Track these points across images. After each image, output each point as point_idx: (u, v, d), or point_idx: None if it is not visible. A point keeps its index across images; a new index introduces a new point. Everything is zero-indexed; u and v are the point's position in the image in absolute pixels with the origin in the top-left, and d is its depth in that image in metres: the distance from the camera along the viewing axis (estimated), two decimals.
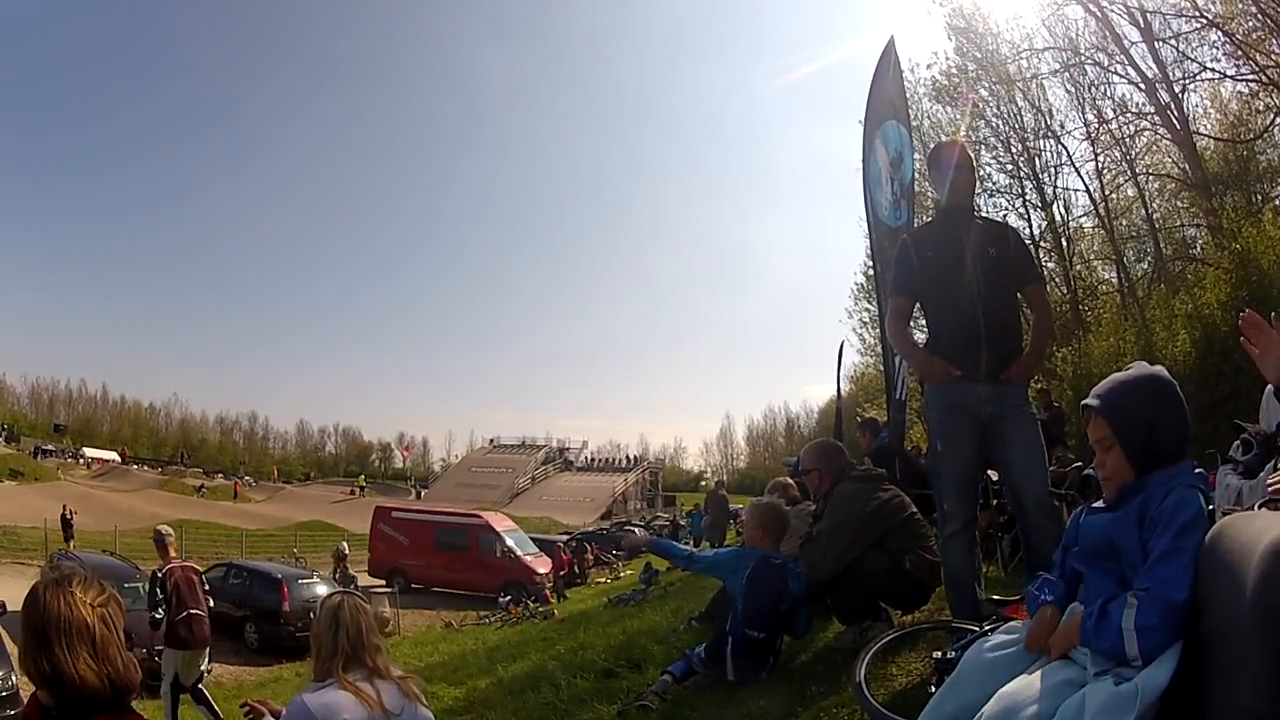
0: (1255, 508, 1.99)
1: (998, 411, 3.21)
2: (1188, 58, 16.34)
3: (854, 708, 2.87)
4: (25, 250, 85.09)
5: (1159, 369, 1.94)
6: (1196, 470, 1.86)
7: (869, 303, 19.67)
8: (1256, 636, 1.36)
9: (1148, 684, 1.61)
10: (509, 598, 17.09)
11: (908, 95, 18.83)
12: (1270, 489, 2.08)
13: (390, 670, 2.28)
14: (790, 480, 5.17)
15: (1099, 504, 1.97)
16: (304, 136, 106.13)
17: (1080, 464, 5.99)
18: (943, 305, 3.34)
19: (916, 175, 5.23)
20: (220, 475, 56.79)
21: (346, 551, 14.60)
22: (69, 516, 23.40)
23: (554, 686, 4.39)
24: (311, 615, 2.37)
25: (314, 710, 2.09)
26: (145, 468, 55.09)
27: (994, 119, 19.09)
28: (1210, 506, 1.80)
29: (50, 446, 54.10)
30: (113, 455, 56.19)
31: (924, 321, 3.69)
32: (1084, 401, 1.96)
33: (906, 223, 5.08)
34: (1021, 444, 3.20)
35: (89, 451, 56.00)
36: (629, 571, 20.47)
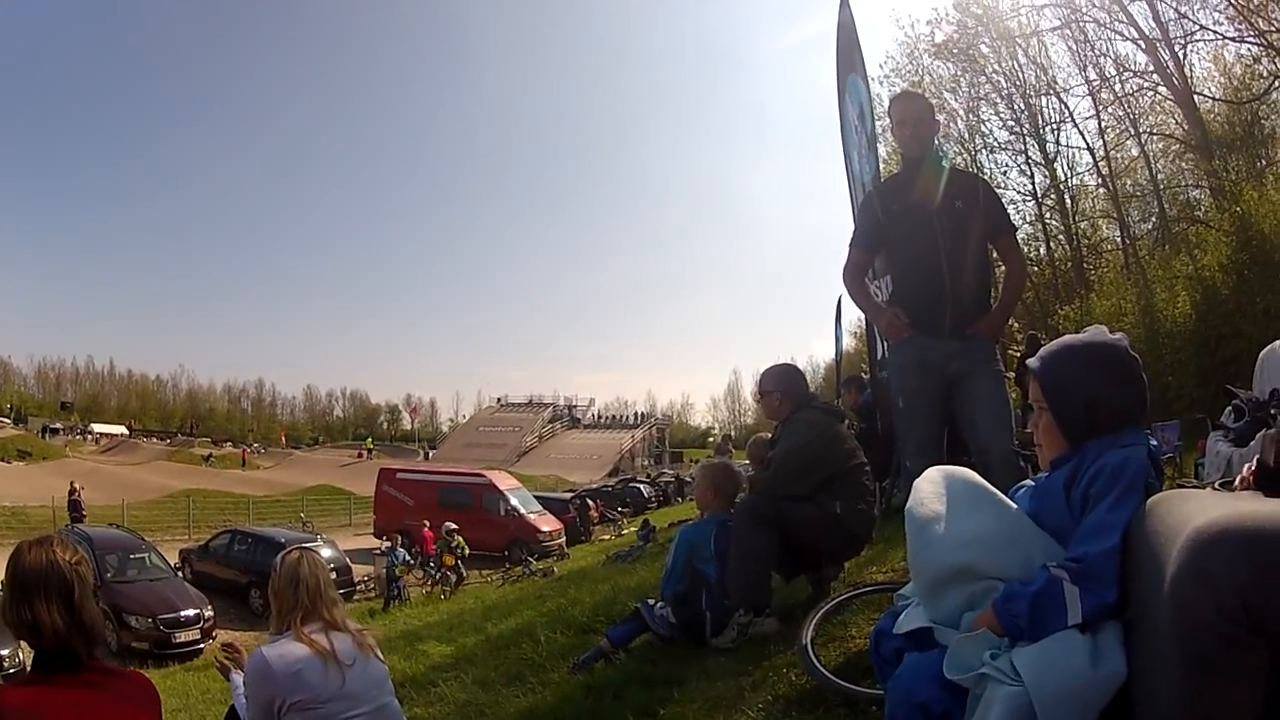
0: (1216, 486, 1.79)
1: (963, 368, 3.12)
2: (1186, 18, 15.97)
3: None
4: (26, 234, 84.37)
5: (1119, 337, 1.75)
6: (1150, 438, 1.69)
7: None
8: (1170, 636, 1.22)
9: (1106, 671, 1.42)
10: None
11: (909, 52, 18.59)
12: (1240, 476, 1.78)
13: (346, 623, 2.42)
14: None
15: (1041, 475, 1.83)
16: (303, 109, 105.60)
17: None
18: (907, 259, 3.25)
19: (879, 130, 5.14)
20: (229, 443, 56.36)
21: None
22: (76, 495, 22.92)
23: (534, 642, 4.48)
24: (273, 571, 2.47)
25: (271, 661, 2.26)
26: (154, 440, 54.91)
27: (995, 75, 18.77)
28: (1152, 476, 1.61)
29: (58, 425, 54.00)
30: (121, 430, 56.13)
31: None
32: (1028, 360, 1.81)
33: (874, 176, 4.99)
34: (986, 401, 3.11)
35: (97, 427, 55.85)
36: (632, 528, 20.69)
